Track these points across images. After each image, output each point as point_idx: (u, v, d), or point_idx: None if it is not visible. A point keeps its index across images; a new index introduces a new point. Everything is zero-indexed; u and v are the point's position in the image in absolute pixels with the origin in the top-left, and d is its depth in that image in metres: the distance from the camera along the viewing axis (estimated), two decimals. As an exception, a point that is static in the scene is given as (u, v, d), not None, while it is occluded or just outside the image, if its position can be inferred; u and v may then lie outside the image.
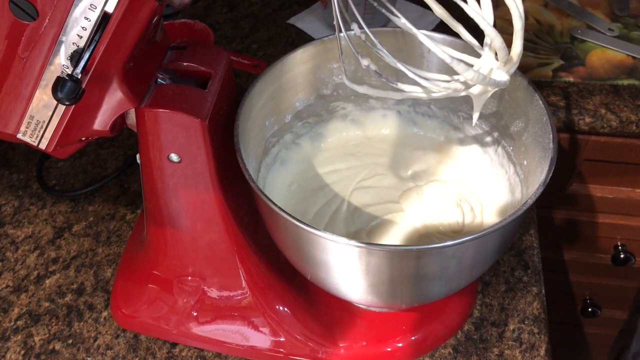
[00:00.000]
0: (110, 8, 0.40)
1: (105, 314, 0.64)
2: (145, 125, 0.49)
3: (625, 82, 0.80)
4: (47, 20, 0.41)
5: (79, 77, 0.41)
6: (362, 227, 0.58)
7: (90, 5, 0.40)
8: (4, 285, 0.67)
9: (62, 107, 0.45)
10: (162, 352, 0.61)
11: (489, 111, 0.59)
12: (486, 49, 0.46)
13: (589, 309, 1.08)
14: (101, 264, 0.69)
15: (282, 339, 0.59)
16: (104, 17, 0.41)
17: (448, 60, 0.43)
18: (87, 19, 0.41)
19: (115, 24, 0.41)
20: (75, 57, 0.42)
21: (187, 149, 0.50)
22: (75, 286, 0.67)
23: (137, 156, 0.54)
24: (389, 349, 0.59)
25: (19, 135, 0.47)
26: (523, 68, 0.82)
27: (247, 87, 0.54)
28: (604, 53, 0.84)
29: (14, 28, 0.41)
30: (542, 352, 0.59)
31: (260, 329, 0.59)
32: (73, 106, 0.45)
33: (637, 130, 0.77)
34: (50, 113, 0.45)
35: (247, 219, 0.57)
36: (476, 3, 0.46)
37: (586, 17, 0.89)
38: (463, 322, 0.62)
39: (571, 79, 0.81)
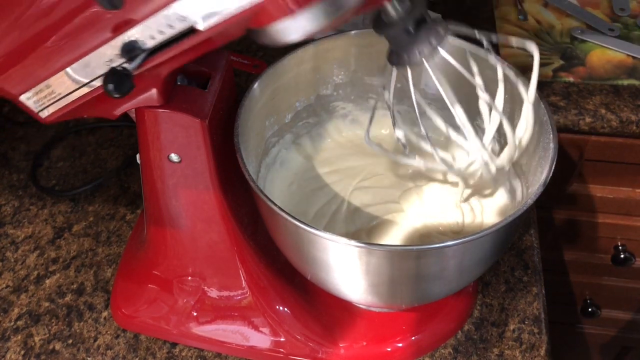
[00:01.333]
0: (201, 26, 0.38)
1: (105, 314, 0.64)
2: (145, 125, 0.49)
3: (625, 82, 0.80)
4: (126, 13, 0.38)
5: (133, 72, 0.40)
6: (362, 227, 0.58)
7: (181, 16, 0.38)
8: (4, 285, 0.67)
9: (86, 89, 0.43)
10: (162, 352, 0.61)
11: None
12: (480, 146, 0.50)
13: (589, 309, 1.08)
14: (101, 264, 0.69)
15: (282, 339, 0.59)
16: (189, 31, 0.39)
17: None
18: (171, 26, 0.39)
19: (197, 41, 0.39)
20: (131, 52, 0.40)
21: (187, 149, 0.50)
22: (75, 286, 0.67)
23: (137, 156, 0.54)
24: (389, 349, 0.59)
25: (22, 97, 0.44)
26: (523, 68, 0.82)
27: (247, 87, 0.54)
28: (604, 53, 0.84)
29: (85, 4, 0.39)
30: (542, 352, 0.59)
31: (260, 329, 0.59)
32: (99, 92, 0.43)
33: (637, 130, 0.77)
34: (71, 90, 0.43)
35: (247, 219, 0.57)
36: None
37: (586, 17, 0.89)
38: (463, 322, 0.62)
39: (571, 79, 0.81)
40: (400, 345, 0.59)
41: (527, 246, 0.68)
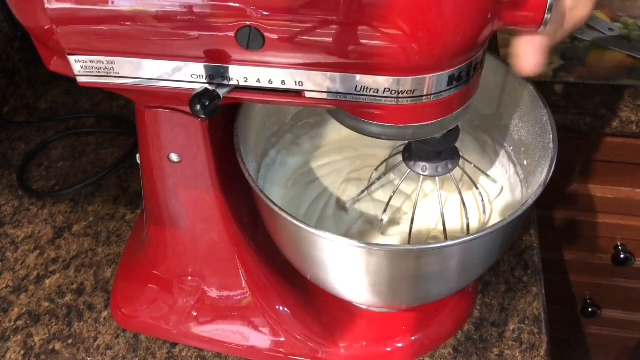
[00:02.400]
0: (310, 94, 0.38)
1: (105, 314, 0.64)
2: (145, 125, 0.49)
3: (625, 82, 0.80)
4: (254, 54, 0.36)
5: (221, 96, 0.38)
6: (350, 223, 0.58)
7: (300, 81, 0.37)
8: (4, 285, 0.67)
9: (145, 82, 0.41)
10: (162, 352, 0.61)
11: (489, 111, 0.59)
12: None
13: (589, 309, 1.08)
14: (101, 264, 0.69)
15: (282, 339, 0.59)
16: (292, 91, 0.38)
17: None
18: (284, 82, 0.38)
19: (290, 100, 0.39)
20: (220, 79, 0.39)
21: (187, 149, 0.50)
22: (75, 286, 0.67)
23: (137, 156, 0.54)
24: (389, 349, 0.59)
25: (72, 57, 0.40)
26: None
27: (247, 87, 0.54)
28: (604, 53, 0.84)
29: (221, 34, 0.36)
30: (542, 352, 0.59)
31: (260, 329, 0.59)
32: (155, 89, 0.41)
33: (637, 130, 0.77)
34: (132, 76, 0.41)
35: (247, 219, 0.57)
36: None
37: (586, 17, 0.89)
38: (463, 322, 0.62)
39: (571, 79, 0.81)
40: (400, 345, 0.59)
41: (527, 246, 0.68)
